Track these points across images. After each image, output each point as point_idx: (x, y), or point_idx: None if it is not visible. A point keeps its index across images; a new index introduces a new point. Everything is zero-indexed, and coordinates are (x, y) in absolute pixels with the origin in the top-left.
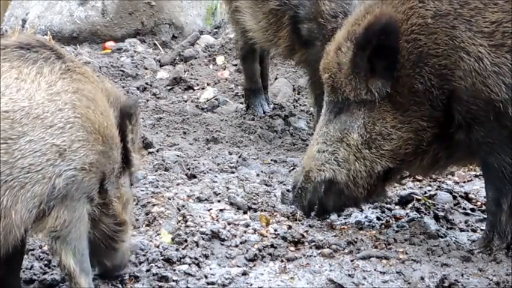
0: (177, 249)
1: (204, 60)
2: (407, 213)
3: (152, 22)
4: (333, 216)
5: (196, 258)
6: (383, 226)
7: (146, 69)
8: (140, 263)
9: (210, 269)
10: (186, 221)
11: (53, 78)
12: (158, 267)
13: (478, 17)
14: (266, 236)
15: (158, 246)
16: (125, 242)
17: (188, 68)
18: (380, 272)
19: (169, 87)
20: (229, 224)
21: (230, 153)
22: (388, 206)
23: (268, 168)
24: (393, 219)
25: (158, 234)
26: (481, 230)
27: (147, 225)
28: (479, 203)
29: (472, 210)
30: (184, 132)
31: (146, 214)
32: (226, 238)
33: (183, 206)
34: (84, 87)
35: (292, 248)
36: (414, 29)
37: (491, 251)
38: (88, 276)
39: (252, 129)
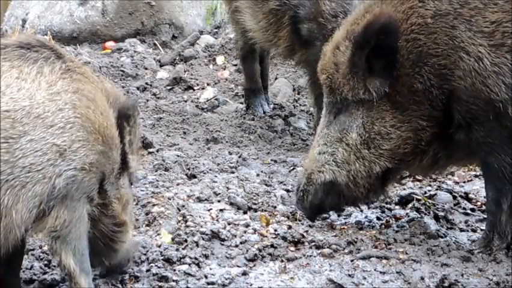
0: (177, 249)
1: (204, 60)
2: (407, 213)
3: (152, 22)
4: (333, 216)
5: (196, 258)
6: (383, 226)
7: (146, 69)
8: (141, 263)
9: (210, 269)
10: (186, 221)
11: (54, 78)
12: (158, 267)
13: (478, 16)
14: (266, 236)
15: (158, 246)
16: (125, 242)
17: (188, 68)
18: (380, 272)
19: (169, 87)
20: (229, 224)
21: (230, 153)
22: (388, 206)
23: (268, 168)
24: (393, 219)
25: (158, 234)
26: (481, 230)
27: (147, 225)
28: (479, 203)
29: (472, 210)
30: (184, 132)
31: (146, 214)
32: (226, 238)
33: (183, 206)
34: (84, 87)
35: (292, 248)
36: (414, 28)
37: (491, 251)
38: (88, 276)
39: (252, 129)
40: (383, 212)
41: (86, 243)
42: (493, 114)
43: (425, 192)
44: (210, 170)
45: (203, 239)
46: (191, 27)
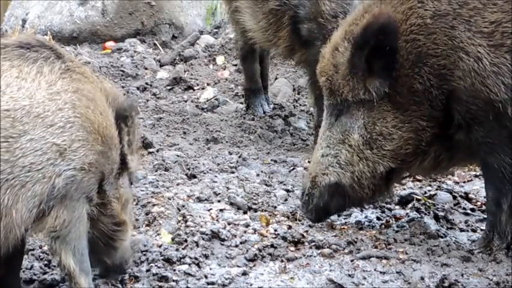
0: (177, 249)
1: (204, 60)
2: (407, 213)
3: (152, 22)
4: (333, 216)
5: (196, 258)
6: (383, 226)
7: (146, 69)
8: (141, 263)
9: (210, 269)
10: (186, 221)
11: (53, 78)
12: (158, 267)
13: (477, 17)
14: (266, 236)
15: (158, 246)
16: (124, 241)
17: (188, 68)
18: (380, 272)
19: (169, 87)
20: (229, 224)
21: (230, 153)
22: (388, 206)
23: (268, 168)
24: (393, 219)
25: (158, 234)
26: (481, 230)
27: (147, 225)
28: (479, 203)
29: (472, 210)
30: (184, 132)
31: (146, 214)
32: (226, 238)
33: (183, 206)
34: (84, 87)
35: (292, 248)
36: (414, 29)
37: (491, 251)
38: (88, 276)
39: (252, 129)
40: (383, 212)
41: (86, 243)
42: (492, 114)
43: (425, 192)
44: (210, 170)
45: (203, 239)
46: (191, 27)
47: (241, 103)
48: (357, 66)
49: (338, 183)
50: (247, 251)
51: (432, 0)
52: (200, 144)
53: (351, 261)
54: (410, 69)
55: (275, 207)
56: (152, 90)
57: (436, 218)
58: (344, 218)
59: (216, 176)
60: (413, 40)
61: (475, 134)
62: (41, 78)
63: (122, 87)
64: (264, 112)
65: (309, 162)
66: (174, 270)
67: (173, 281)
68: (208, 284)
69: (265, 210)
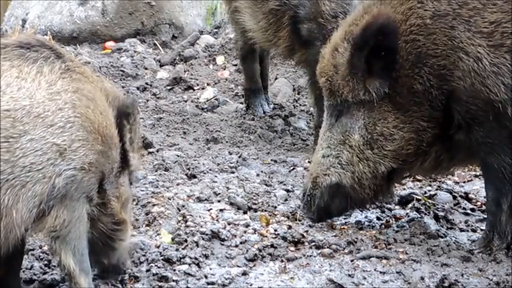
0: (177, 249)
1: (204, 60)
2: (407, 213)
3: (152, 22)
4: None
5: (196, 258)
6: (383, 226)
7: (146, 69)
8: (140, 263)
9: (210, 269)
10: (186, 221)
11: (53, 78)
12: (158, 267)
13: (477, 17)
14: (266, 236)
15: (158, 246)
16: (124, 240)
17: (188, 68)
18: (380, 272)
19: (169, 87)
20: (229, 224)
21: (230, 153)
22: (388, 206)
23: (268, 168)
24: (393, 219)
25: (158, 234)
26: (481, 230)
27: (147, 225)
28: (479, 203)
29: (472, 210)
30: (184, 132)
31: (146, 214)
32: (226, 238)
33: (183, 206)
34: (84, 87)
35: (292, 248)
36: (413, 29)
37: (491, 251)
38: (88, 276)
39: (252, 129)
40: (383, 212)
41: (86, 243)
42: (492, 114)
43: (425, 192)
44: (210, 170)
45: (203, 239)
46: (191, 27)
47: (241, 103)
48: (356, 66)
49: (339, 183)
50: (247, 251)
51: (432, 0)
52: (200, 144)
53: (351, 261)
54: (410, 69)
55: (275, 207)
56: (152, 90)
57: (436, 218)
58: (344, 218)
59: (216, 176)
60: (413, 40)
61: (475, 134)
62: (41, 78)
63: (122, 87)
64: (264, 112)
65: (309, 162)
66: (174, 270)
67: (173, 281)
68: (208, 284)
69: (265, 210)
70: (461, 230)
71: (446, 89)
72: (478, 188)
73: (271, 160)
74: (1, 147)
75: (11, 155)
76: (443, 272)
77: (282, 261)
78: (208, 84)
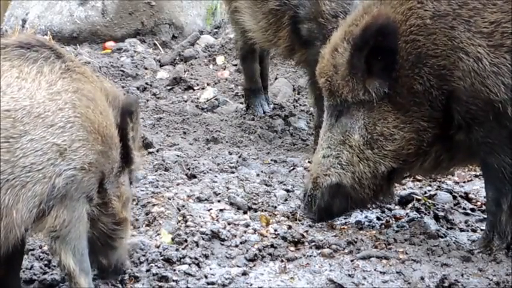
0: (177, 249)
1: (204, 60)
2: (407, 213)
3: (152, 22)
4: None
5: (196, 258)
6: (383, 226)
7: (146, 69)
8: (140, 263)
9: (210, 269)
10: (186, 221)
11: (54, 78)
12: (158, 267)
13: (477, 17)
14: (266, 236)
15: (158, 246)
16: (123, 240)
17: (188, 68)
18: (380, 272)
19: (169, 87)
20: (229, 224)
21: (230, 153)
22: (388, 206)
23: (268, 168)
24: (393, 219)
25: (158, 234)
26: (481, 230)
27: (147, 225)
28: (479, 203)
29: (472, 210)
30: (184, 132)
31: (146, 214)
32: (226, 238)
33: (183, 206)
34: (84, 87)
35: (292, 248)
36: (413, 29)
37: (491, 251)
38: (88, 276)
39: (252, 129)
40: (383, 212)
41: (86, 243)
42: (492, 114)
43: (425, 192)
44: (210, 170)
45: (203, 239)
46: (191, 27)
47: (241, 103)
48: (356, 66)
49: (339, 183)
50: (247, 251)
51: (432, 0)
52: (200, 144)
53: (351, 261)
54: (410, 69)
55: (275, 207)
56: (152, 90)
57: (436, 218)
58: (344, 218)
59: (216, 176)
60: (413, 41)
61: (475, 134)
62: (41, 78)
63: (122, 87)
64: (264, 112)
65: (309, 162)
66: (174, 270)
67: (173, 281)
68: (208, 284)
69: (265, 210)
70: (461, 230)
71: (446, 89)
72: (478, 188)
73: (271, 160)
74: (1, 147)
75: (11, 155)
76: (443, 272)
77: (282, 261)
78: (208, 84)
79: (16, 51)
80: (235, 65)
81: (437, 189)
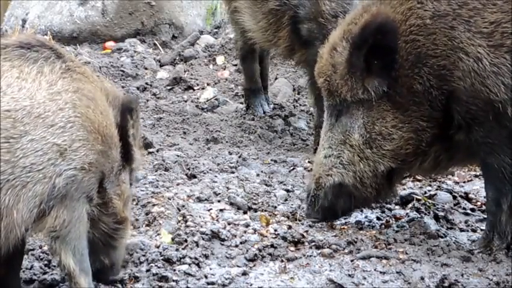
0: (177, 249)
1: (204, 60)
2: (407, 213)
3: (152, 22)
4: None
5: (196, 258)
6: (383, 226)
7: (146, 69)
8: (140, 263)
9: (210, 269)
10: (186, 221)
11: (54, 78)
12: (158, 267)
13: (477, 17)
14: (266, 236)
15: (158, 246)
16: (124, 239)
17: (188, 68)
18: (380, 272)
19: (169, 87)
20: (229, 224)
21: (230, 153)
22: (388, 206)
23: (268, 168)
24: (393, 219)
25: (158, 234)
26: (481, 230)
27: (147, 225)
28: (479, 203)
29: (472, 210)
30: (184, 132)
31: (146, 214)
32: (226, 238)
33: (183, 206)
34: (84, 87)
35: (292, 248)
36: (413, 29)
37: (491, 251)
38: (88, 276)
39: (252, 129)
40: (383, 212)
41: (86, 243)
42: (492, 114)
43: (425, 192)
44: (210, 170)
45: (203, 239)
46: (191, 27)
47: (241, 103)
48: (355, 65)
49: (341, 183)
50: (247, 251)
51: (432, 0)
52: (200, 144)
53: (351, 261)
54: (410, 69)
55: (275, 207)
56: (152, 90)
57: (436, 218)
58: (344, 218)
59: (216, 176)
60: (413, 41)
61: (474, 134)
62: (41, 78)
63: (122, 87)
64: (264, 112)
65: (309, 162)
66: (174, 270)
67: (173, 281)
68: (208, 284)
69: (265, 210)
70: (461, 230)
71: (446, 89)
72: (478, 188)
73: (271, 160)
74: (2, 147)
75: (11, 156)
76: (443, 272)
77: (282, 261)
78: (208, 84)
79: (16, 52)
80: (235, 65)
81: (437, 189)
